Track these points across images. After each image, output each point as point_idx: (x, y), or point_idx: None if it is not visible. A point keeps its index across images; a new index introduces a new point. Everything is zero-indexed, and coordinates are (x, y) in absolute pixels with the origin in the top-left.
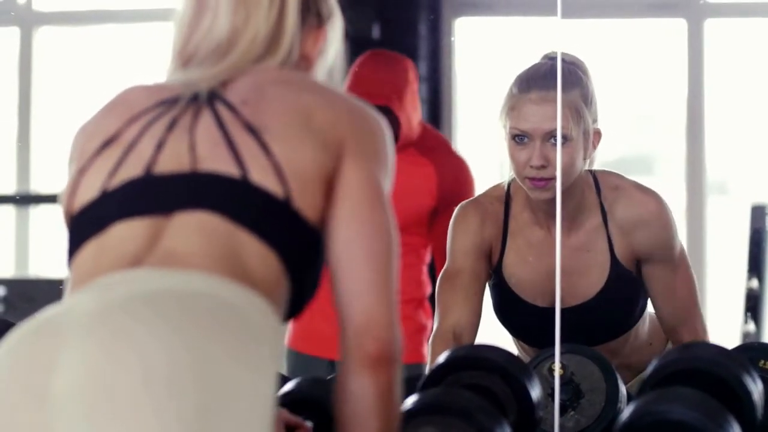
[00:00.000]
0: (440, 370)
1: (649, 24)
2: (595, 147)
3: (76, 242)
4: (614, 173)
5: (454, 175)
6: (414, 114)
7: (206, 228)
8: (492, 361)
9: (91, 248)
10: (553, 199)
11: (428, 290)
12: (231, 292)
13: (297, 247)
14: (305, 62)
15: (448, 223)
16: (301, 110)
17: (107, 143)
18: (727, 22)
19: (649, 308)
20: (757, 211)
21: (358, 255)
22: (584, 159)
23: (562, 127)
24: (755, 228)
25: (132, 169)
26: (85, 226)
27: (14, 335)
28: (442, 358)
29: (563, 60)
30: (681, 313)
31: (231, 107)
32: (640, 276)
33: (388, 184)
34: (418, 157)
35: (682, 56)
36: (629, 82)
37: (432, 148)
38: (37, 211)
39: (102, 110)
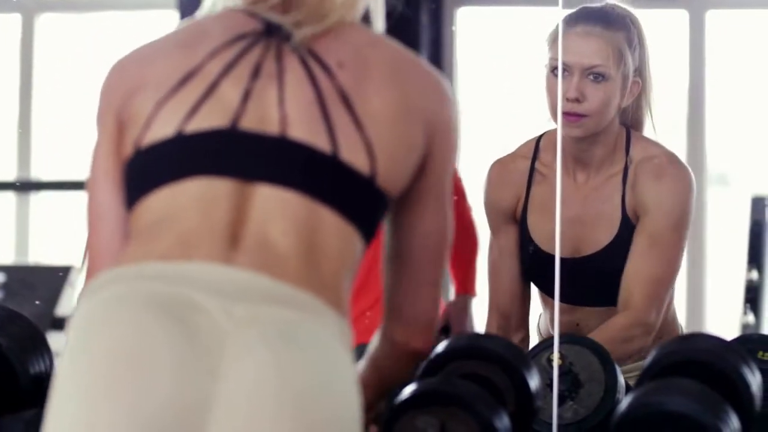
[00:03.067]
0: (439, 360)
1: (651, 15)
2: (633, 95)
3: (145, 182)
4: (650, 139)
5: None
6: None
7: (292, 211)
8: (491, 350)
9: (165, 195)
10: (583, 139)
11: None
12: (328, 326)
13: (374, 218)
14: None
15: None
16: (397, 84)
17: (187, 77)
18: (729, 13)
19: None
20: (757, 203)
21: (429, 252)
22: (619, 105)
23: (601, 65)
24: (755, 220)
25: (215, 116)
26: (157, 166)
27: (145, 324)
28: (440, 347)
29: (614, 7)
30: (637, 290)
31: (327, 69)
32: None
33: None
34: None
35: (683, 47)
36: None
37: None
38: (37, 198)
39: (175, 39)
